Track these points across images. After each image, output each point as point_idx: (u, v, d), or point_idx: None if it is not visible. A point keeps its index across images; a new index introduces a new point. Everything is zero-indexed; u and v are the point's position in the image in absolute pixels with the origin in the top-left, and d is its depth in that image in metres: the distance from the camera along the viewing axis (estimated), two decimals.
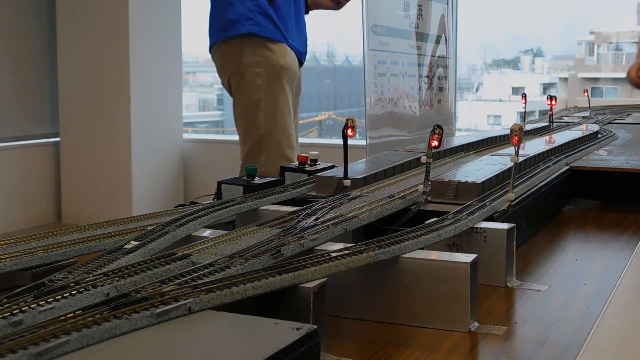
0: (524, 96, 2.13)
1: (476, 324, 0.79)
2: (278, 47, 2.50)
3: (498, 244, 0.94)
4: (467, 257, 0.80)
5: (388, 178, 1.30)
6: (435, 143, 1.03)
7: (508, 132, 1.00)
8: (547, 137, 1.85)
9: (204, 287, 0.63)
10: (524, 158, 1.38)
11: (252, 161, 2.47)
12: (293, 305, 0.68)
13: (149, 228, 0.90)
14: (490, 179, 1.19)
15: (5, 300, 0.60)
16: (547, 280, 0.97)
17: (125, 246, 0.82)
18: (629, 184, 1.52)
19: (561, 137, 1.79)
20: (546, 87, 9.13)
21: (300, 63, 2.69)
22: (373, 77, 2.00)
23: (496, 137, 1.82)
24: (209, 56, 2.67)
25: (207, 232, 0.95)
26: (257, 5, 2.48)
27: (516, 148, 0.99)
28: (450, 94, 2.57)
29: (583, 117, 2.65)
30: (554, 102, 2.17)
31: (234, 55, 2.50)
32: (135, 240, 0.84)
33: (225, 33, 2.50)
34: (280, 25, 2.51)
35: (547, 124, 2.20)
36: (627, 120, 2.69)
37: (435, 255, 0.82)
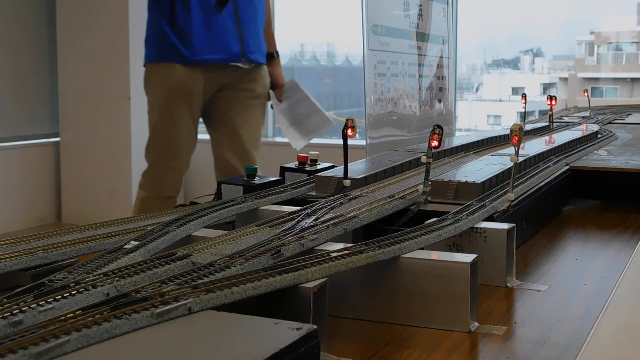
0: (524, 96, 2.13)
1: (476, 324, 0.79)
2: (163, 68, 2.63)
3: (498, 244, 0.94)
4: (467, 257, 0.80)
5: (388, 178, 1.30)
6: (435, 143, 1.03)
7: (508, 132, 1.00)
8: (547, 137, 1.85)
9: (204, 287, 0.63)
10: (524, 158, 1.38)
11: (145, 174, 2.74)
12: (293, 305, 0.68)
13: (149, 228, 0.90)
14: (490, 179, 1.19)
15: (5, 300, 0.60)
16: (547, 280, 0.97)
17: (125, 246, 0.82)
18: (629, 184, 1.52)
19: (561, 137, 1.79)
20: (546, 87, 9.11)
21: (244, 61, 2.63)
22: (373, 77, 2.00)
23: (496, 137, 1.82)
24: None
25: (207, 232, 0.95)
26: (156, 30, 2.57)
27: (516, 148, 0.99)
28: (450, 94, 2.56)
29: (583, 117, 2.65)
30: (554, 102, 2.17)
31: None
32: (135, 240, 0.84)
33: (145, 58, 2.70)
34: (181, 45, 2.55)
35: (547, 124, 2.20)
36: (627, 120, 2.69)
37: (435, 255, 0.82)
